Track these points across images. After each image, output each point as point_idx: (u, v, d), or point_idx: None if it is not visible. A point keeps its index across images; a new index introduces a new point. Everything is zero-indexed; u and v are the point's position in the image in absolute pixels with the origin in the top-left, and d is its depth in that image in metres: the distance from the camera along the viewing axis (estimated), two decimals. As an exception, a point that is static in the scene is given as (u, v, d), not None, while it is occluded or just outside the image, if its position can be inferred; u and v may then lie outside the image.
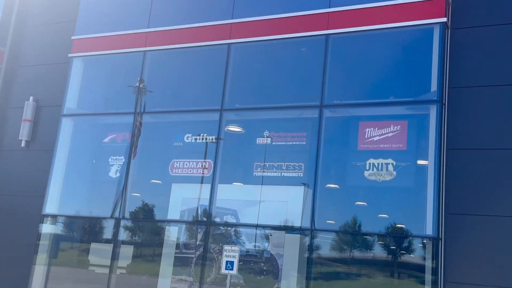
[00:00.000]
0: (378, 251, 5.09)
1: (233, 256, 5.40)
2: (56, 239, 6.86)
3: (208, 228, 5.77)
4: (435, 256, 4.58)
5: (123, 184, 6.37)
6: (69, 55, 7.11)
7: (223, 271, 4.94)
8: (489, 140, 4.65)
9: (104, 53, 6.87)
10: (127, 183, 6.38)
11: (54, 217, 6.91)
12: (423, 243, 4.83)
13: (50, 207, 6.81)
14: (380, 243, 5.05)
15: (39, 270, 6.50)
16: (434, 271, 4.56)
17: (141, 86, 6.55)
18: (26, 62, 7.80)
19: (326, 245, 5.23)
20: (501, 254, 4.28)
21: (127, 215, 6.36)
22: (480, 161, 4.71)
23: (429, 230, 4.69)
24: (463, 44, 4.93)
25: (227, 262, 5.42)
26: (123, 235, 6.36)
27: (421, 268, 4.78)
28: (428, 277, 4.64)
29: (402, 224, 4.94)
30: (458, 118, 4.84)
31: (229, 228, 5.91)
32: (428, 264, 4.68)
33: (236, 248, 5.43)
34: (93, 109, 7.15)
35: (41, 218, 6.79)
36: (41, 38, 7.76)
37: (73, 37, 7.17)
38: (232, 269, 5.39)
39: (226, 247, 5.34)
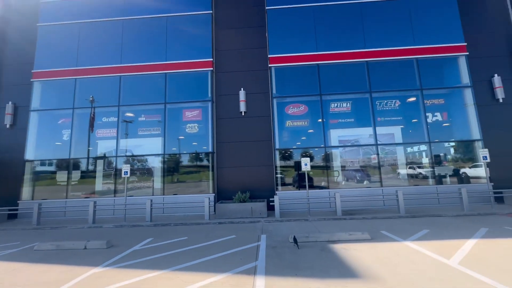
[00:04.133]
0: (187, 165, 11.89)
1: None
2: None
3: (117, 162, 11.34)
4: (212, 160, 11.67)
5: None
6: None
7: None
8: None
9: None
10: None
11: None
12: (208, 154, 11.81)
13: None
14: (189, 158, 11.83)
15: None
16: (212, 167, 11.64)
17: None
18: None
19: (173, 161, 11.68)
20: (235, 156, 11.70)
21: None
22: (231, 124, 11.97)
23: (211, 149, 11.69)
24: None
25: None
26: (67, 173, 11.21)
27: (208, 166, 11.77)
28: (210, 167, 11.69)
29: (203, 148, 11.80)
30: (218, 107, 11.92)
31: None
32: (210, 164, 11.71)
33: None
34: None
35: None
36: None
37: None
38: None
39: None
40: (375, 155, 11.03)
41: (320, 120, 11.26)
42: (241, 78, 12.00)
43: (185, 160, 11.74)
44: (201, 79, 11.86)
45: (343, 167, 11.29)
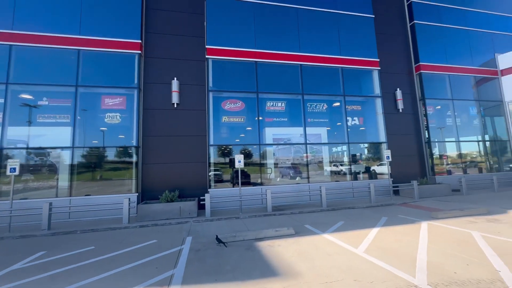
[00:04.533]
0: (106, 160, 10.21)
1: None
2: None
3: None
4: (137, 155, 10.22)
5: None
6: None
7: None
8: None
9: None
10: None
11: None
12: (131, 149, 10.33)
13: None
14: (108, 153, 10.15)
15: None
16: (136, 163, 10.19)
17: None
18: None
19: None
20: (164, 151, 10.50)
21: None
22: (159, 116, 10.68)
23: (135, 143, 10.21)
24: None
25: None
26: None
27: (131, 162, 10.29)
28: (135, 163, 10.23)
29: (126, 142, 10.22)
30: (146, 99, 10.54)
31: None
32: (134, 160, 10.25)
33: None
34: None
35: None
36: None
37: None
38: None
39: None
40: (305, 154, 11.72)
41: (256, 118, 11.24)
42: (175, 66, 10.92)
43: (102, 155, 9.95)
44: (126, 63, 10.24)
45: (276, 164, 11.58)
